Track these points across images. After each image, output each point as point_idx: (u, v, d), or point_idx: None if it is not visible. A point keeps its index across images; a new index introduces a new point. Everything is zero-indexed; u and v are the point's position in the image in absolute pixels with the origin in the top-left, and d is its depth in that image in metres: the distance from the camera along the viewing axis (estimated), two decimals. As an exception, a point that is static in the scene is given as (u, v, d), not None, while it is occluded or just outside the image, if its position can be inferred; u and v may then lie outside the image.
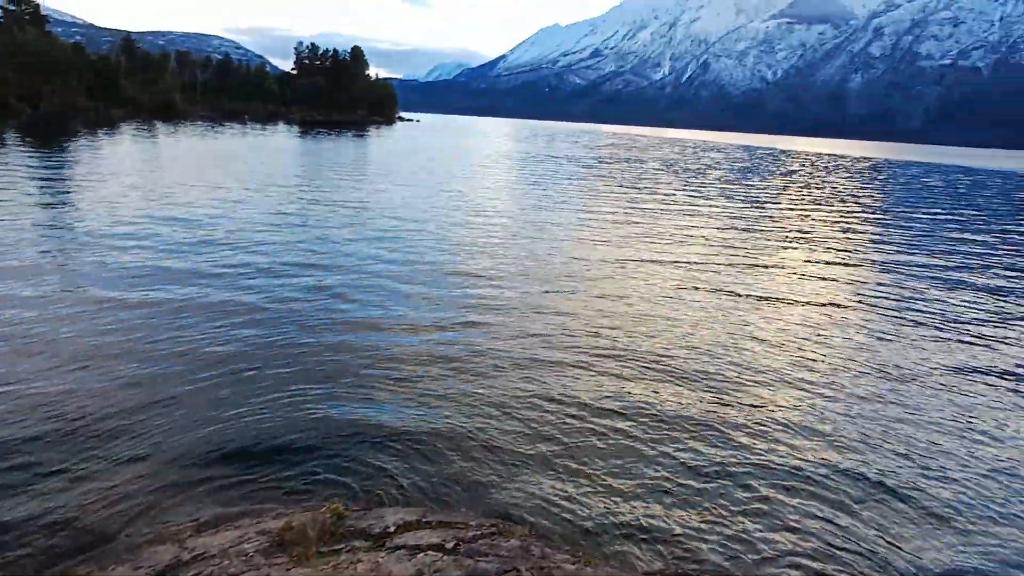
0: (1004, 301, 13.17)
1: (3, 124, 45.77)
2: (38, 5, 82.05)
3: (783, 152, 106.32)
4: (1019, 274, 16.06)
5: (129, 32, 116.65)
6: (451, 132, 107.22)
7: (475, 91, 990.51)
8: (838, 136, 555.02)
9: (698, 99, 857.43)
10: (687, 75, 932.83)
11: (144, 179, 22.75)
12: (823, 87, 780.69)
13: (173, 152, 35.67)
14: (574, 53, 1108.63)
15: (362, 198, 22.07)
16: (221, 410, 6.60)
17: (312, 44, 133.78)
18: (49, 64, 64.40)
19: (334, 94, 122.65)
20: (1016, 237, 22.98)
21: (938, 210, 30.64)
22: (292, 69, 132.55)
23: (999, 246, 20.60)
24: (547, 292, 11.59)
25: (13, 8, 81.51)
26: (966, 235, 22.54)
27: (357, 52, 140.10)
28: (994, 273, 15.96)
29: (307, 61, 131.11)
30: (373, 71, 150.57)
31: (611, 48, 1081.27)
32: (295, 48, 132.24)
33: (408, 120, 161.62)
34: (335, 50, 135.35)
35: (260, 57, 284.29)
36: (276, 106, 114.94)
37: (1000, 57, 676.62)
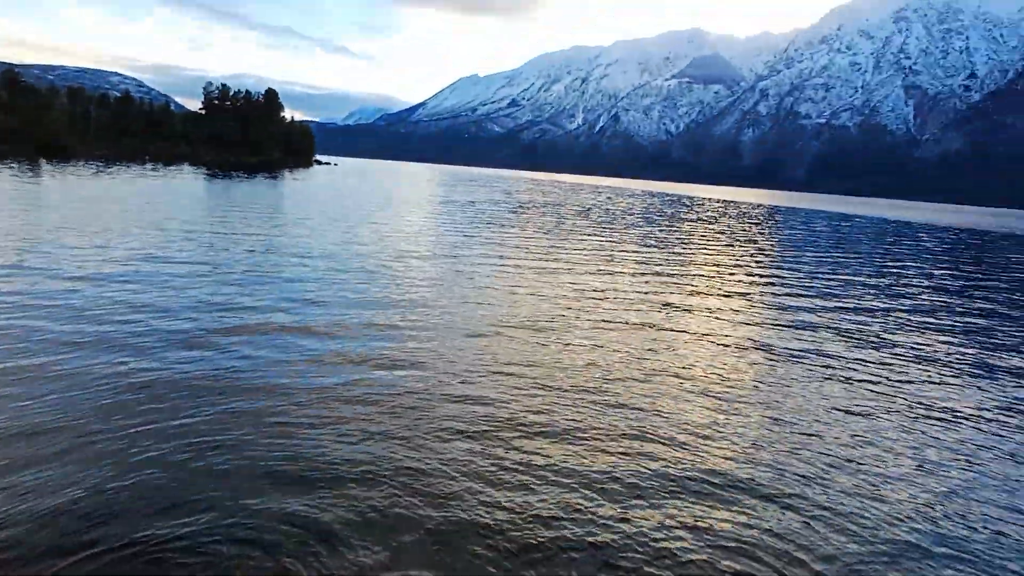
0: (881, 327, 14.18)
1: None
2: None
3: (689, 198, 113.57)
4: (887, 304, 17.44)
5: (13, 65, 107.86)
6: (370, 176, 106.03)
7: (395, 136, 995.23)
8: (735, 184, 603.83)
9: (610, 148, 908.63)
10: (599, 126, 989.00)
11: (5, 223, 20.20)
12: (720, 140, 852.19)
13: (47, 194, 32.38)
14: (492, 102, 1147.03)
15: (269, 244, 20.71)
16: (109, 467, 5.79)
17: (223, 84, 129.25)
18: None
19: (246, 136, 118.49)
20: (882, 270, 25.25)
21: (823, 251, 33.33)
22: (200, 109, 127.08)
23: (872, 281, 22.46)
24: (469, 336, 11.05)
25: None
26: (847, 272, 24.46)
27: (271, 94, 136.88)
28: (874, 306, 17.24)
29: (217, 101, 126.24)
30: (289, 113, 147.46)
31: (527, 99, 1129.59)
32: (204, 88, 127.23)
33: (326, 164, 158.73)
34: (247, 91, 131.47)
35: (165, 96, 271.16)
36: (182, 147, 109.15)
37: (864, 118, 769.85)
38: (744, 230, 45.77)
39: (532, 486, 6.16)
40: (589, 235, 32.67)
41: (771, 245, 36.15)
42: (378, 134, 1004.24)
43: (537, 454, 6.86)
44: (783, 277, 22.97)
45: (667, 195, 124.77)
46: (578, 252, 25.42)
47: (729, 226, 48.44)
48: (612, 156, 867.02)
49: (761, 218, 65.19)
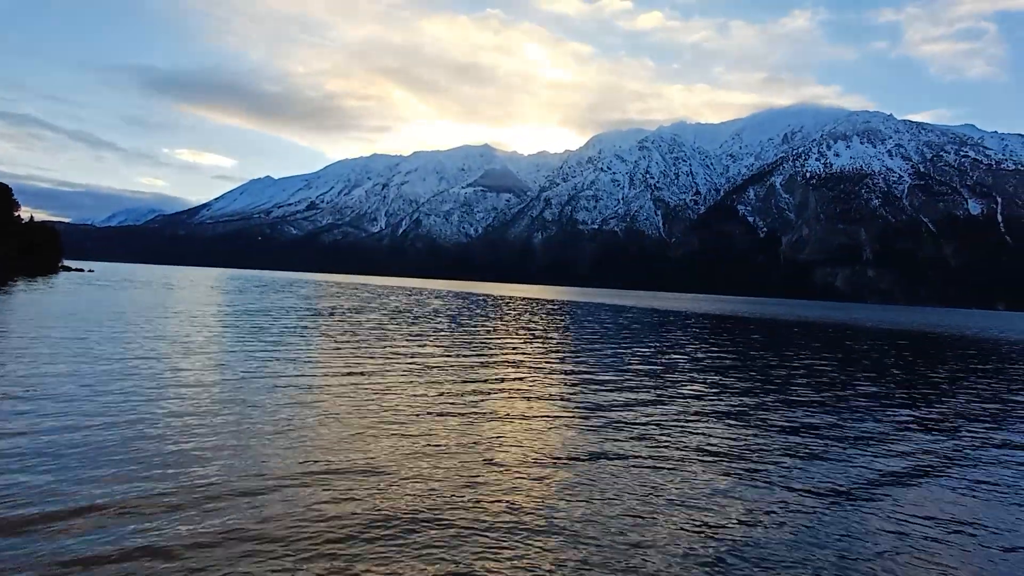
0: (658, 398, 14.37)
1: None
2: None
3: (493, 297, 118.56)
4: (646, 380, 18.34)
5: None
6: (139, 284, 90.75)
7: (173, 238, 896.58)
8: (531, 281, 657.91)
9: (414, 250, 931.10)
10: (402, 229, 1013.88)
11: None
12: (515, 242, 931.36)
13: None
14: (289, 205, 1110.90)
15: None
16: None
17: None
18: None
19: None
20: (639, 354, 27.49)
21: (616, 341, 35.69)
22: None
23: (632, 360, 24.02)
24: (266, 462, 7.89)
25: None
26: (625, 355, 26.01)
27: (3, 189, 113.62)
28: (655, 382, 17.88)
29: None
30: (28, 212, 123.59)
31: (327, 202, 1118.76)
32: None
33: (77, 270, 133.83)
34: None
35: None
36: None
37: (627, 224, 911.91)
38: (548, 325, 47.71)
39: None
40: (402, 339, 30.50)
41: (571, 337, 37.80)
42: (150, 236, 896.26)
43: None
44: (585, 368, 23.40)
45: (473, 295, 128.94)
46: (390, 358, 23.10)
47: (533, 321, 50.23)
48: (416, 258, 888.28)
49: (559, 313, 69.72)
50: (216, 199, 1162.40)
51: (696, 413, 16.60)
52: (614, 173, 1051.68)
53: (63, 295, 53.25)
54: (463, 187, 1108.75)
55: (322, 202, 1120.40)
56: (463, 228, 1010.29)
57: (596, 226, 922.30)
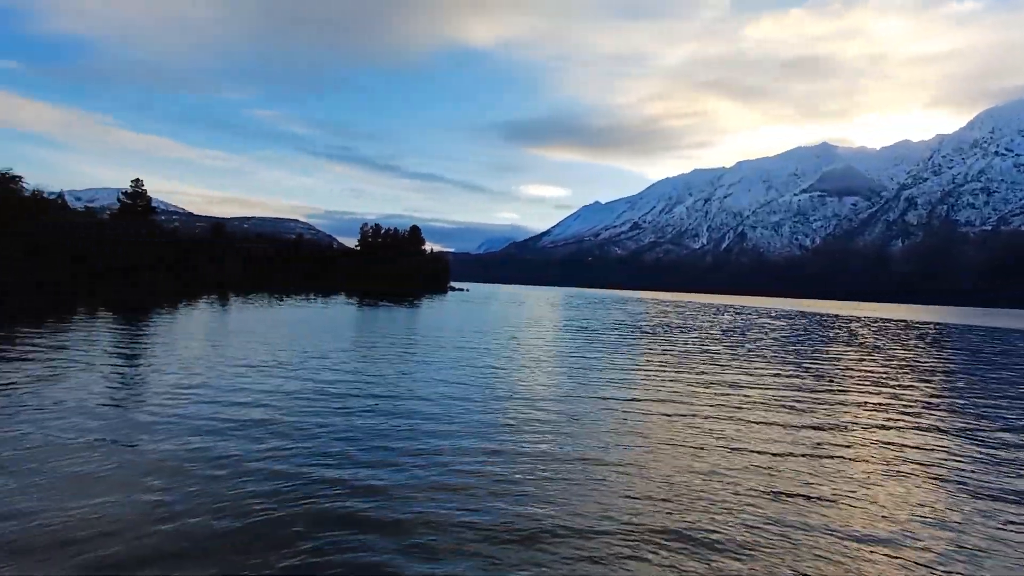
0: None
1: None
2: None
3: (844, 317, 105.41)
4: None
5: (221, 218, 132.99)
6: (499, 301, 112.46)
7: (522, 262, 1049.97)
8: (884, 299, 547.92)
9: (738, 265, 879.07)
10: (725, 244, 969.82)
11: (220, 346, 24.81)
12: (863, 252, 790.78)
13: (231, 321, 38.87)
14: (615, 227, 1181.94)
15: (403, 369, 23.19)
16: None
17: (376, 224, 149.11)
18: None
19: (394, 266, 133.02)
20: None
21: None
22: (356, 246, 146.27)
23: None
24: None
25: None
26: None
27: (415, 230, 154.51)
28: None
29: (370, 239, 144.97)
30: (429, 246, 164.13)
31: (649, 221, 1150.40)
32: (360, 228, 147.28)
33: (459, 290, 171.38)
34: (396, 228, 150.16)
35: (330, 236, 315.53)
36: (338, 278, 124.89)
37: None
38: (922, 357, 41.39)
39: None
40: (753, 361, 31.80)
41: (961, 372, 32.47)
42: (507, 261, 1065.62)
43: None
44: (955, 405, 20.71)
45: (820, 314, 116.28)
46: (736, 383, 24.94)
47: (899, 348, 44.26)
48: (739, 273, 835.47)
49: (943, 341, 57.49)
50: (555, 226, 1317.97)
51: None
52: (1017, 155, 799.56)
53: (452, 308, 71.11)
54: (795, 194, 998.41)
55: (644, 222, 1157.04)
56: (796, 239, 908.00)
57: (988, 227, 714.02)
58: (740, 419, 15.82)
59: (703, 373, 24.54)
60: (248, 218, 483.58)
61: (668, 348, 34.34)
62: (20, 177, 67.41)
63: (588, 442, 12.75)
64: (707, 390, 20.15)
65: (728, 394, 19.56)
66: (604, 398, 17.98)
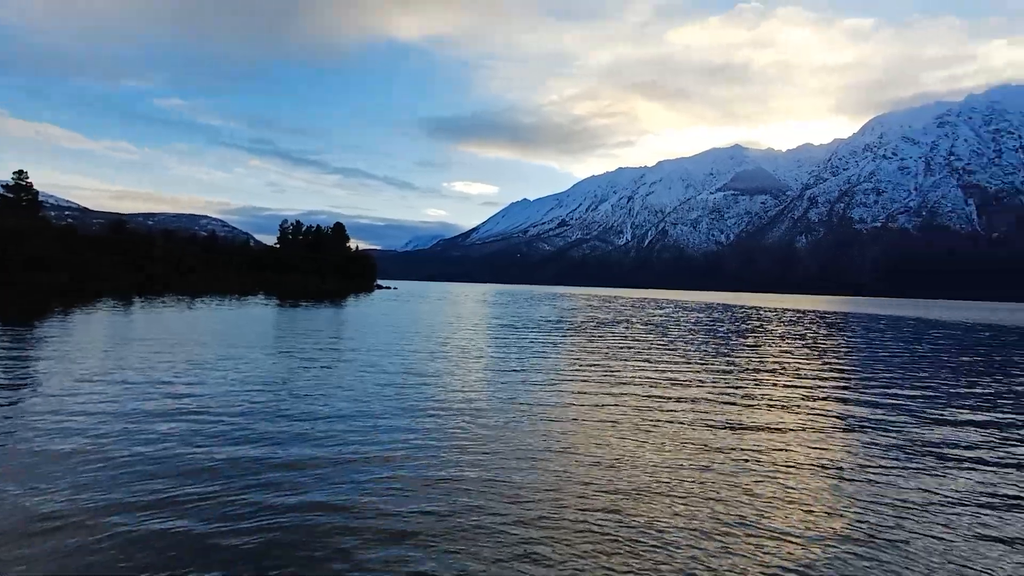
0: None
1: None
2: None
3: (764, 309, 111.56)
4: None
5: (121, 214, 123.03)
6: (427, 298, 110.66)
7: (451, 259, 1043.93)
8: (792, 292, 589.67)
9: (661, 260, 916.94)
10: (648, 240, 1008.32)
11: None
12: (773, 248, 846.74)
13: (137, 325, 35.73)
14: (543, 224, 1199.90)
15: (328, 364, 21.97)
16: None
17: (297, 220, 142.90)
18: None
19: (316, 265, 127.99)
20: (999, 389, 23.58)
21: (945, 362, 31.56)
22: (275, 243, 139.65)
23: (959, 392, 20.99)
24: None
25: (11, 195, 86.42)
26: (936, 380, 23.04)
27: (338, 227, 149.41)
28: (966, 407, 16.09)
29: (291, 236, 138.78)
30: (354, 243, 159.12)
31: (576, 219, 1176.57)
32: (280, 224, 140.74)
33: (386, 288, 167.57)
34: (318, 225, 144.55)
35: (246, 233, 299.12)
36: (252, 277, 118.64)
37: (923, 219, 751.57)
38: (831, 341, 44.27)
39: None
40: (675, 353, 32.49)
41: (864, 357, 34.70)
42: (434, 258, 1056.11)
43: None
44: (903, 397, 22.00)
45: (733, 306, 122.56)
46: (663, 373, 25.29)
47: (820, 335, 47.09)
48: (662, 269, 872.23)
49: (842, 327, 62.13)
50: (483, 223, 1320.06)
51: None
52: (902, 159, 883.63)
53: (379, 308, 69.02)
54: (711, 192, 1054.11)
55: (571, 219, 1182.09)
56: (712, 236, 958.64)
57: (878, 224, 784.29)
58: (667, 411, 15.98)
59: (635, 366, 24.87)
60: (155, 214, 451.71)
61: (596, 342, 34.78)
62: None
63: (514, 442, 12.35)
64: (638, 384, 20.36)
65: (661, 387, 19.86)
66: (531, 402, 17.68)
